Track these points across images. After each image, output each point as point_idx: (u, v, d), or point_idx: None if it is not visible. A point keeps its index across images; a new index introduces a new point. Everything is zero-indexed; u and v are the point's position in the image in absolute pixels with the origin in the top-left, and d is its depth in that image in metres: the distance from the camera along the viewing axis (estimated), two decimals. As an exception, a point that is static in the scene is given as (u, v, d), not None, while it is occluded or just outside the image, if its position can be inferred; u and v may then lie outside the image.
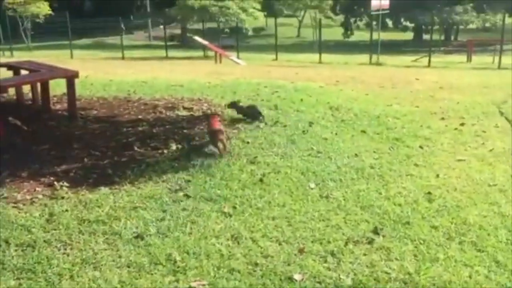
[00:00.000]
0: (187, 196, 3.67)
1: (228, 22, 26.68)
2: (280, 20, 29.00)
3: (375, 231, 3.14)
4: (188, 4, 26.10)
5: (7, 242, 2.91)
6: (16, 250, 2.81)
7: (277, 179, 4.06)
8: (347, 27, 38.28)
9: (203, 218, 3.30)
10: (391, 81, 10.76)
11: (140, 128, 5.78)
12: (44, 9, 25.39)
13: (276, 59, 21.10)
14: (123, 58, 21.96)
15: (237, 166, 4.36)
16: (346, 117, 6.41)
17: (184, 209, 3.44)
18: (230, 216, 3.35)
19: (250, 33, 28.32)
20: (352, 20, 38.47)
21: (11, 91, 6.81)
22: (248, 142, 5.10)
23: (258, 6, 28.18)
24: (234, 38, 26.32)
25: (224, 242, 2.97)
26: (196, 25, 31.77)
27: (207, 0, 25.66)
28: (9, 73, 7.18)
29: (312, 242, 3.00)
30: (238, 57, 20.59)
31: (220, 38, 27.08)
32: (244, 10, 26.91)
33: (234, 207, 3.49)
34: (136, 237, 3.01)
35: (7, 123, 5.43)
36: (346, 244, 2.98)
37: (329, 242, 3.00)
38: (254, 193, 3.76)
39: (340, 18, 38.25)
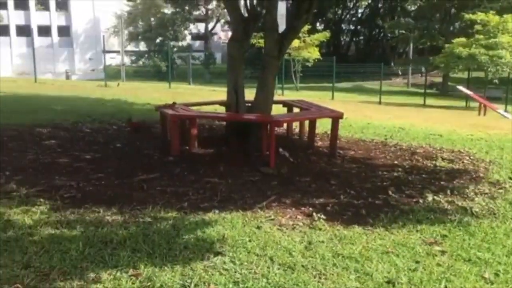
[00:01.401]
0: (443, 252, 3.48)
1: (498, 72, 24.50)
2: None
3: None
4: (455, 52, 25.04)
5: (271, 259, 3.25)
6: (278, 269, 3.11)
7: (554, 254, 3.52)
8: None
9: (460, 279, 3.08)
10: None
11: (395, 174, 5.78)
12: (314, 53, 27.83)
13: (556, 115, 18.39)
14: (380, 102, 22.35)
15: (502, 229, 3.95)
16: None
17: (438, 265, 3.27)
18: (492, 283, 3.04)
19: (525, 85, 25.37)
20: None
21: (283, 125, 7.64)
22: (517, 205, 4.58)
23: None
24: (503, 90, 24.10)
25: (484, 310, 2.72)
26: (460, 74, 30.23)
27: (477, 49, 24.16)
28: (283, 109, 8.10)
29: None
30: (506, 111, 18.74)
31: (486, 89, 25.10)
32: (520, 60, 24.37)
33: (497, 274, 3.16)
34: (387, 282, 2.99)
35: (278, 153, 6.10)
36: None
37: None
38: (522, 263, 3.34)
39: None
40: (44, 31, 41.90)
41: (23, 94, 13.58)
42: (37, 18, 41.93)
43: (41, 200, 4.20)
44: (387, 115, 14.02)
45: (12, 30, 41.77)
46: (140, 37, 43.11)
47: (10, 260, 3.04)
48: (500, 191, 5.06)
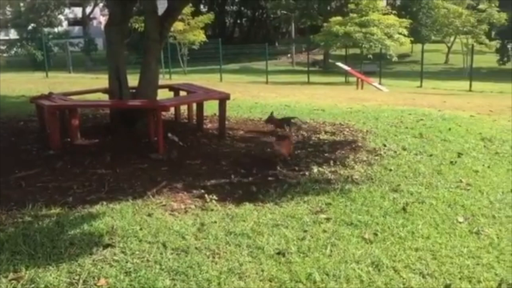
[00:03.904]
0: (328, 219, 3.70)
1: (372, 48, 26.34)
2: (427, 46, 27.88)
3: (535, 276, 2.85)
4: (333, 30, 26.38)
5: (164, 245, 3.21)
6: (172, 254, 3.09)
7: (421, 210, 3.90)
8: (503, 54, 35.41)
9: (343, 242, 3.30)
10: (555, 112, 9.66)
11: (283, 150, 5.97)
12: (199, 36, 27.62)
13: (421, 86, 20.29)
14: (267, 82, 22.92)
15: (379, 192, 4.28)
16: (500, 150, 5.92)
17: (324, 231, 3.47)
18: (371, 242, 3.30)
19: (395, 59, 27.52)
20: (510, 46, 35.51)
21: (171, 110, 7.52)
22: (390, 170, 4.99)
23: (405, 32, 27.39)
24: (377, 64, 25.94)
25: (365, 268, 2.94)
26: (339, 51, 31.98)
27: (352, 27, 25.68)
28: (170, 94, 7.96)
29: (459, 279, 2.83)
30: (380, 83, 20.22)
31: (362, 64, 26.88)
32: (389, 36, 26.38)
33: (375, 234, 3.43)
34: (278, 254, 3.11)
35: (166, 138, 6.00)
36: (500, 285, 2.75)
37: (479, 281, 2.80)
38: (396, 221, 3.65)
39: (496, 43, 35.52)
40: None
41: None
42: None
43: None
44: (273, 93, 14.39)
45: None
46: (9, 25, 39.52)
47: None
48: (376, 157, 5.47)
